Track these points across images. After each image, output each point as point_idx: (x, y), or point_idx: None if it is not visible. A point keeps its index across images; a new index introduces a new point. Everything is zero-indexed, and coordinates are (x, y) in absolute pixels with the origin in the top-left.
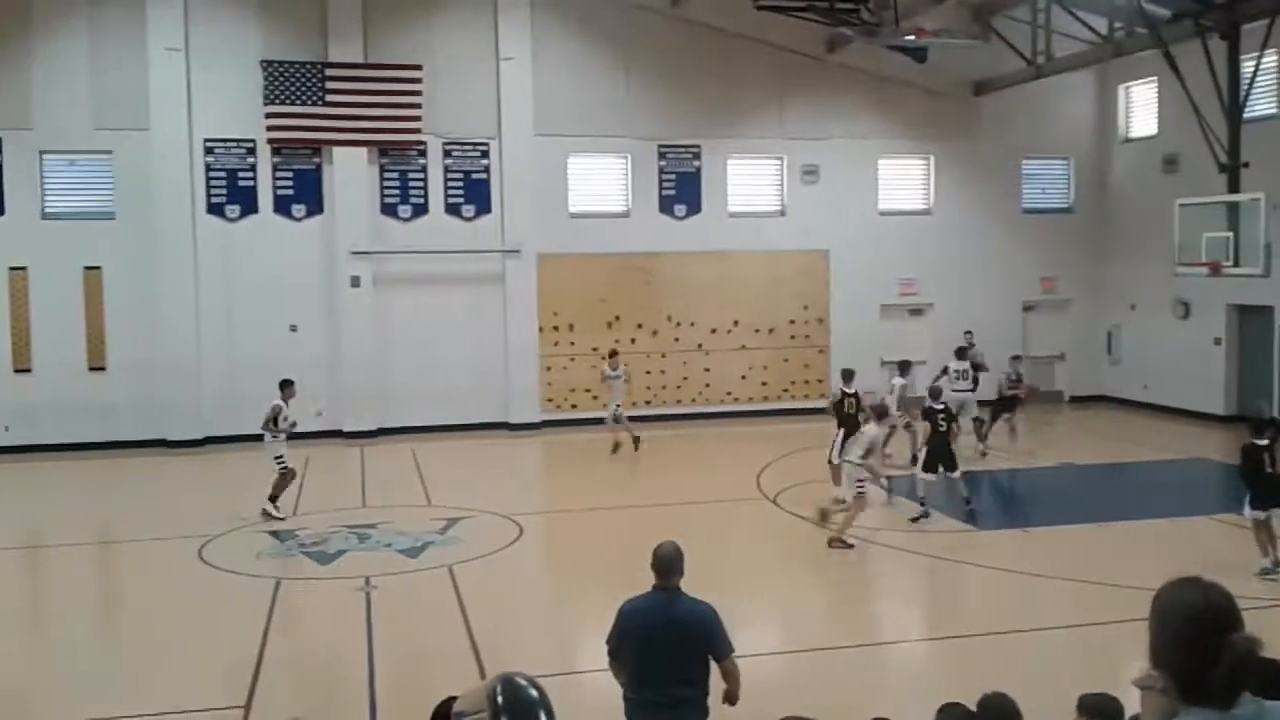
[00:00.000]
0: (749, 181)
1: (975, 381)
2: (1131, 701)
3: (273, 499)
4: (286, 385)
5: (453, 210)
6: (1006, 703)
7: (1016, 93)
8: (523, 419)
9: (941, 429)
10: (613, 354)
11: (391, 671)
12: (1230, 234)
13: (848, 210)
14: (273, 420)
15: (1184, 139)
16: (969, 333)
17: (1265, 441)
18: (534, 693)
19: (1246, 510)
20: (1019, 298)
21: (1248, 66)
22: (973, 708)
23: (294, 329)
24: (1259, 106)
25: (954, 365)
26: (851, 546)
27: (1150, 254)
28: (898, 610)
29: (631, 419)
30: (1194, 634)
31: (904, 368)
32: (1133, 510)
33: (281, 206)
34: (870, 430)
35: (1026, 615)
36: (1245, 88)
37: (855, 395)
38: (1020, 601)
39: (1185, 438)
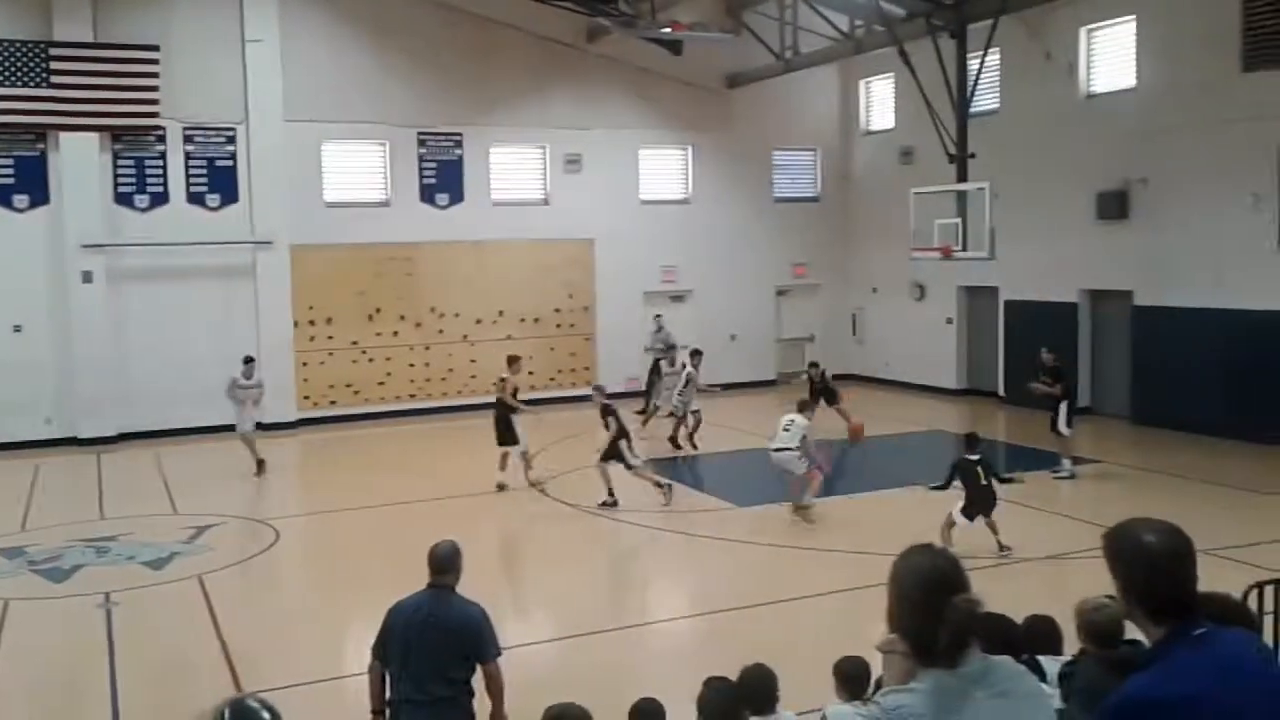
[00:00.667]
0: (512, 170)
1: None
2: (880, 664)
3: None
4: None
5: (196, 199)
6: (765, 673)
7: (767, 86)
8: (278, 418)
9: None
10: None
11: (137, 691)
12: (959, 220)
13: (610, 199)
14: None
15: (918, 132)
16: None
17: (977, 456)
18: (265, 715)
19: (957, 516)
20: (773, 283)
21: (974, 64)
22: (735, 680)
23: (18, 329)
24: (984, 101)
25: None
26: (809, 508)
27: (889, 240)
28: (661, 589)
29: (397, 413)
30: (922, 598)
31: (696, 355)
32: (878, 481)
33: (1, 197)
34: (801, 420)
35: (783, 586)
36: (972, 84)
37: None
38: (777, 573)
39: (923, 411)
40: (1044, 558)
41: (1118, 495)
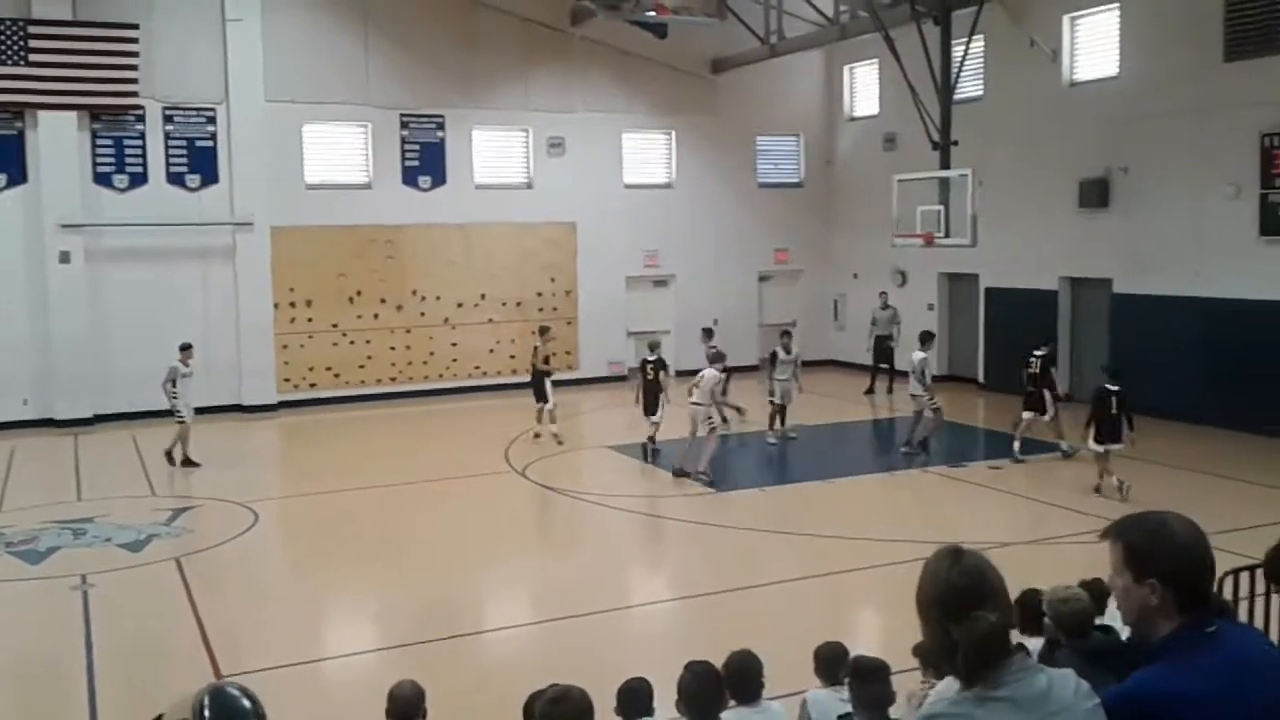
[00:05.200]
0: (495, 153)
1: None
2: (861, 649)
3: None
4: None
5: (176, 180)
6: (750, 660)
7: (751, 71)
8: (258, 400)
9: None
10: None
11: (114, 674)
12: (941, 207)
13: (593, 183)
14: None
15: (902, 118)
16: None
17: (1116, 388)
18: (245, 703)
19: (1093, 445)
20: (755, 268)
21: (958, 51)
22: (719, 664)
23: None
24: (967, 88)
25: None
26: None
27: (872, 226)
28: (648, 573)
29: (377, 396)
30: (937, 614)
31: (708, 333)
32: (858, 466)
33: None
34: (709, 373)
35: (765, 570)
36: (955, 71)
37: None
38: (759, 558)
39: (904, 397)
40: (1029, 541)
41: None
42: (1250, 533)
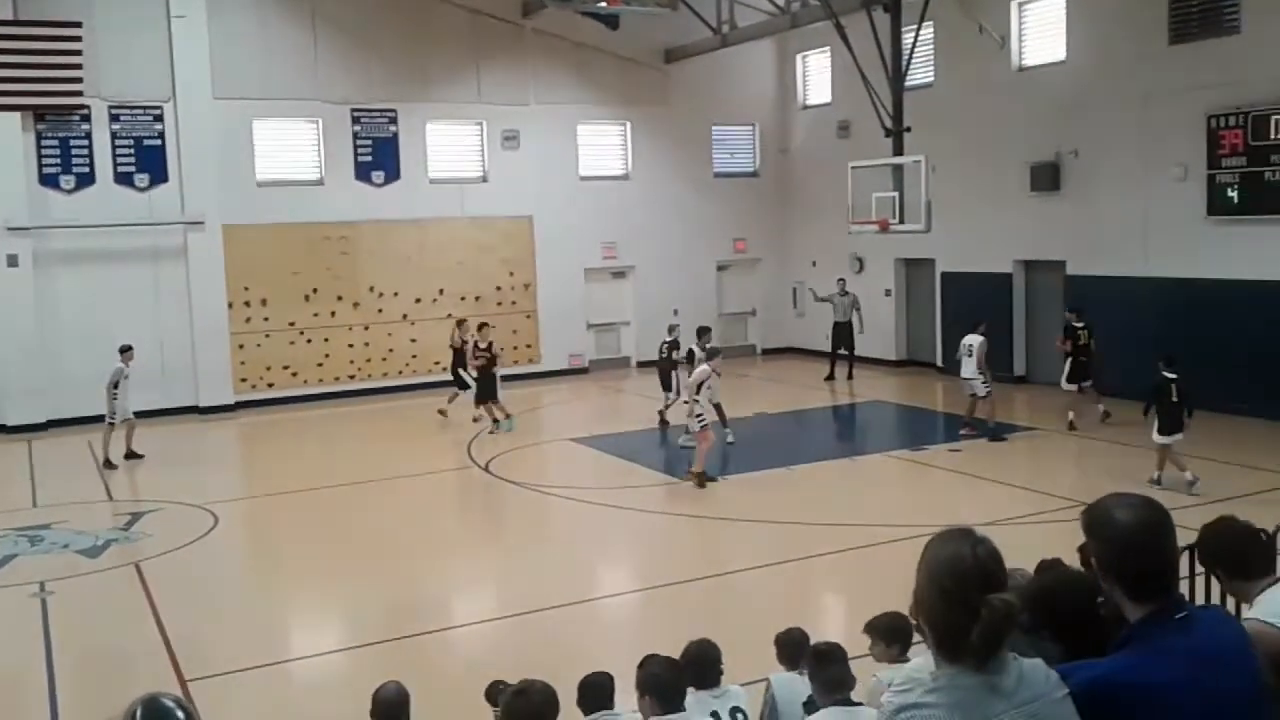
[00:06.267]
0: (449, 147)
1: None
2: (820, 635)
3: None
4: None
5: (124, 180)
6: (707, 647)
7: (705, 61)
8: (214, 401)
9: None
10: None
11: (75, 682)
12: (896, 194)
13: (549, 176)
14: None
15: (855, 105)
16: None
17: (1174, 375)
18: (180, 714)
19: (1158, 438)
20: (714, 258)
21: (909, 38)
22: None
23: None
24: (919, 75)
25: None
26: (714, 479)
27: (828, 213)
28: (611, 565)
29: (336, 395)
30: (956, 589)
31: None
32: (819, 452)
33: None
34: (701, 368)
35: (727, 559)
36: (906, 58)
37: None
38: (722, 546)
39: (863, 382)
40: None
41: (1053, 458)
42: (1205, 509)
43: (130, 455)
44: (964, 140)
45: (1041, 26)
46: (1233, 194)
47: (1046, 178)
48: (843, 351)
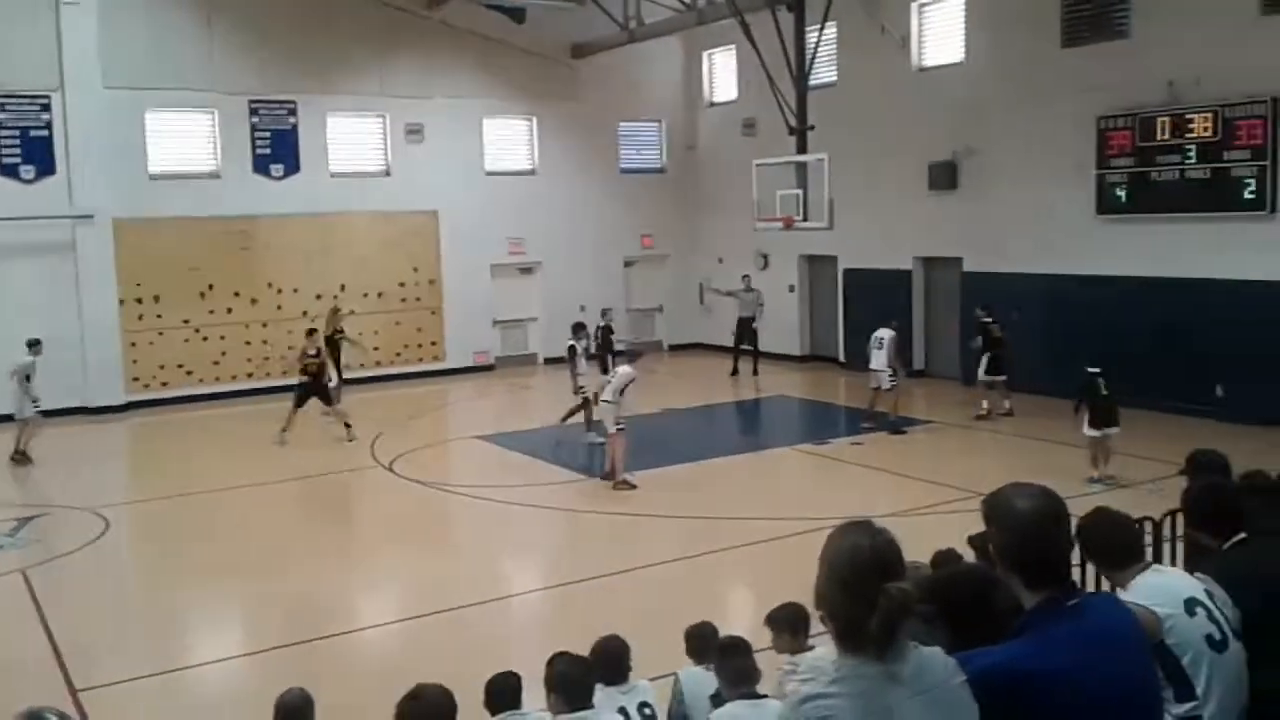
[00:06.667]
0: (351, 140)
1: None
2: (728, 629)
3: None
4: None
5: (9, 171)
6: (616, 643)
7: (612, 57)
8: (104, 401)
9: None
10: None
11: None
12: (800, 191)
13: (454, 170)
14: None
15: (760, 103)
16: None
17: (1098, 369)
18: None
19: (1085, 429)
20: (621, 254)
21: (812, 37)
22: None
23: None
24: (822, 74)
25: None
26: (634, 486)
27: (734, 210)
28: (519, 564)
29: (234, 394)
30: (854, 579)
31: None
32: (726, 447)
33: None
34: (624, 370)
35: (636, 555)
36: (810, 57)
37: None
38: (630, 542)
39: (768, 377)
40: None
41: (953, 451)
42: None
43: (19, 457)
44: (866, 139)
45: (941, 28)
46: (1121, 193)
47: (944, 176)
48: (746, 347)
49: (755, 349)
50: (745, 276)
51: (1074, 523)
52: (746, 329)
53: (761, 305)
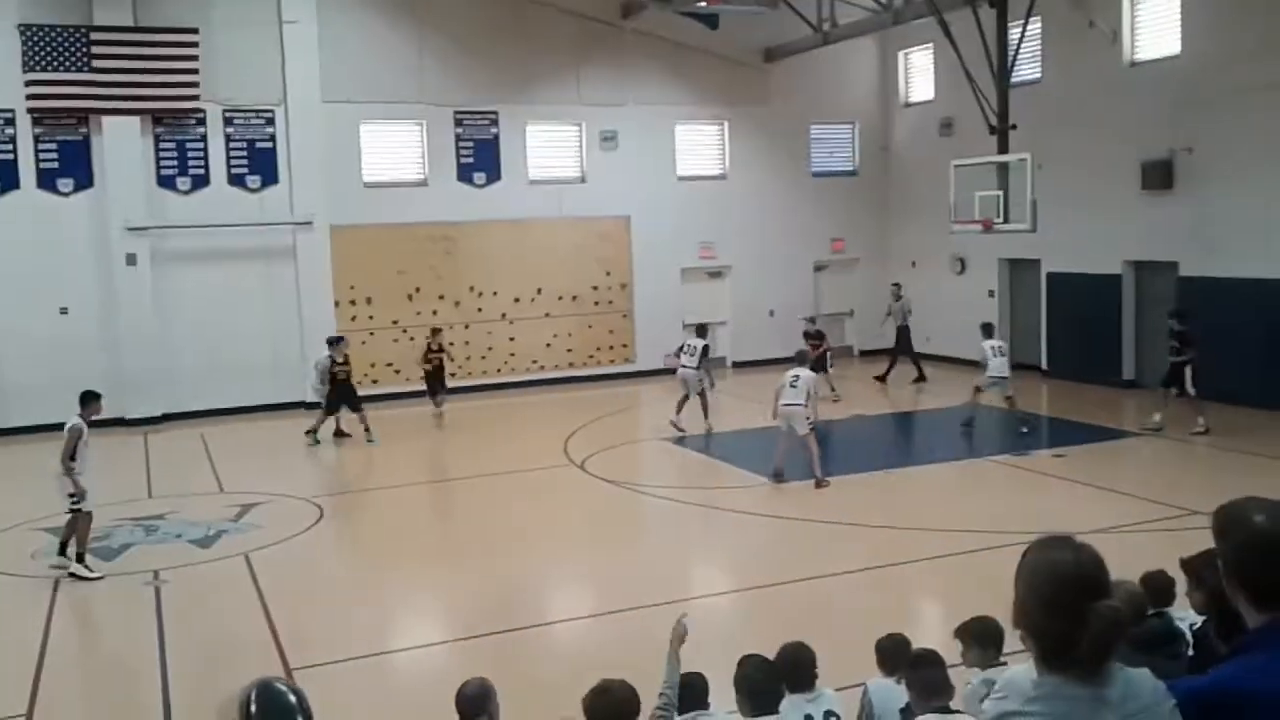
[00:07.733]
0: (548, 148)
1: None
2: (918, 642)
3: (70, 551)
4: (91, 400)
5: (237, 181)
6: (803, 650)
7: (804, 59)
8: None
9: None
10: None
11: (186, 668)
12: (1000, 193)
13: (646, 176)
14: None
15: (958, 103)
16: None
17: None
18: (291, 698)
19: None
20: (811, 258)
21: (1015, 33)
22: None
23: (64, 311)
24: (1024, 72)
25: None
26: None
27: (929, 213)
28: (706, 566)
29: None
30: (1061, 598)
31: (702, 330)
32: (920, 456)
33: (46, 181)
34: (808, 375)
35: (825, 562)
36: (1012, 54)
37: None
38: (819, 549)
39: (965, 386)
40: (1095, 531)
41: (1166, 465)
42: None
43: (339, 434)
44: (1072, 137)
45: (1155, 20)
46: None
47: (1159, 176)
48: (904, 355)
49: (913, 356)
50: (895, 285)
51: None
52: (901, 337)
53: (909, 312)
